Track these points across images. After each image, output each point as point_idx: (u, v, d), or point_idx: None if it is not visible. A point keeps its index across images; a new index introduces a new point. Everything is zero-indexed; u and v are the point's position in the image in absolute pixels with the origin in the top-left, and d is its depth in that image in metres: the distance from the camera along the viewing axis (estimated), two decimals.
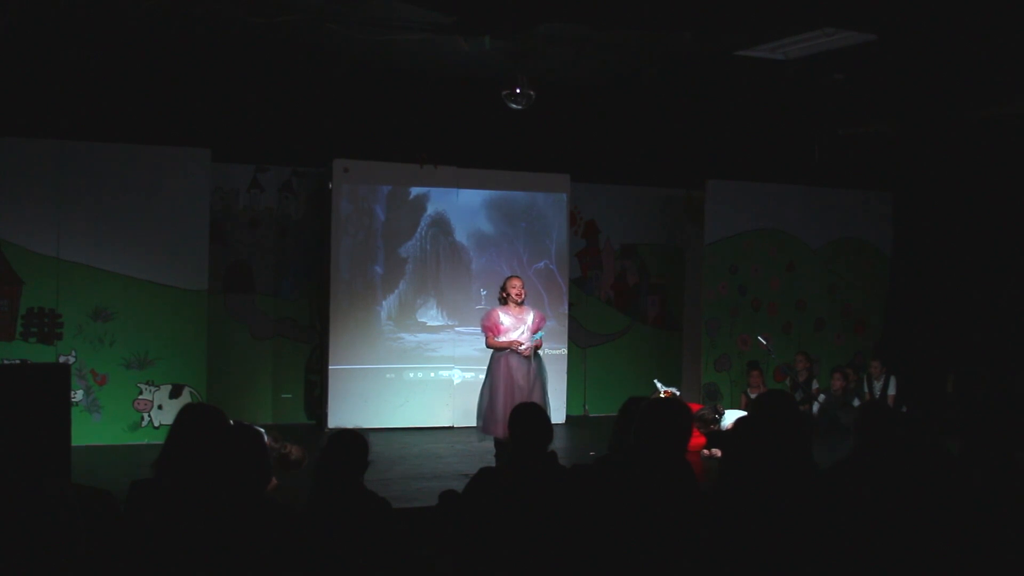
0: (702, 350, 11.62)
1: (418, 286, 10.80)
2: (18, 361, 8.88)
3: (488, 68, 9.24)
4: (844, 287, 12.12)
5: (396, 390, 10.66)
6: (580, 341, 11.84)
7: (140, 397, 9.62)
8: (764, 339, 11.21)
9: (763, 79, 9.63)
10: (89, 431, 9.23)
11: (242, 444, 3.89)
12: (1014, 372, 10.71)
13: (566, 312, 11.34)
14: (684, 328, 12.35)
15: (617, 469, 4.15)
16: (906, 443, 4.32)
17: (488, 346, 8.17)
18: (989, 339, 11.08)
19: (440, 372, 10.83)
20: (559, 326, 11.19)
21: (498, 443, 7.96)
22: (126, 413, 9.57)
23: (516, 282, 8.27)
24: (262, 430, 4.56)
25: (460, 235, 10.94)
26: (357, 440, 4.04)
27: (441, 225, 10.89)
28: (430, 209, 10.84)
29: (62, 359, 9.24)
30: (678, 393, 10.41)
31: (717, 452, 8.91)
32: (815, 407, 10.84)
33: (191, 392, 9.71)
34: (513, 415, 4.62)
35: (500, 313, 8.17)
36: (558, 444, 5.62)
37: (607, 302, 12.15)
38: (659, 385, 10.35)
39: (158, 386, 9.66)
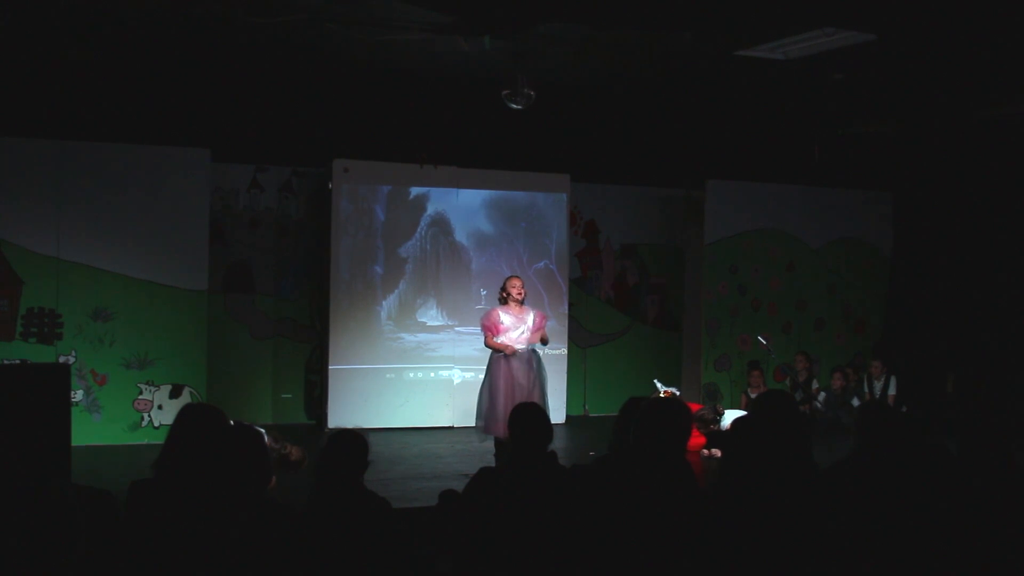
0: (702, 350, 11.62)
1: (418, 286, 10.80)
2: (18, 361, 8.89)
3: (488, 68, 9.24)
4: (844, 287, 12.13)
5: (396, 390, 10.66)
6: (580, 341, 11.84)
7: (140, 397, 9.62)
8: (764, 339, 11.22)
9: (763, 79, 9.63)
10: (89, 431, 9.23)
11: (242, 444, 3.89)
12: (1014, 372, 10.71)
13: (566, 312, 11.34)
14: (684, 328, 12.35)
15: (617, 469, 4.15)
16: (906, 443, 4.32)
17: (486, 345, 8.19)
18: (989, 339, 11.08)
19: (440, 372, 10.83)
20: (559, 326, 11.19)
21: (498, 443, 7.96)
22: (126, 413, 9.58)
23: (516, 282, 8.29)
24: (262, 430, 4.56)
25: (460, 235, 10.94)
26: (357, 440, 4.04)
27: (441, 225, 10.89)
28: (430, 209, 10.85)
29: (62, 359, 9.24)
30: (678, 393, 10.42)
31: (717, 452, 8.91)
32: (822, 397, 10.85)
33: (191, 392, 9.71)
34: (513, 415, 4.62)
35: (500, 313, 8.19)
36: (558, 444, 5.62)
37: (607, 302, 12.15)
38: (659, 385, 10.36)
39: (158, 386, 9.66)
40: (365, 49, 8.94)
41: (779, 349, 11.50)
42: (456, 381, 10.80)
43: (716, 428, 9.51)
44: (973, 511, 4.03)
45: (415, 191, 10.79)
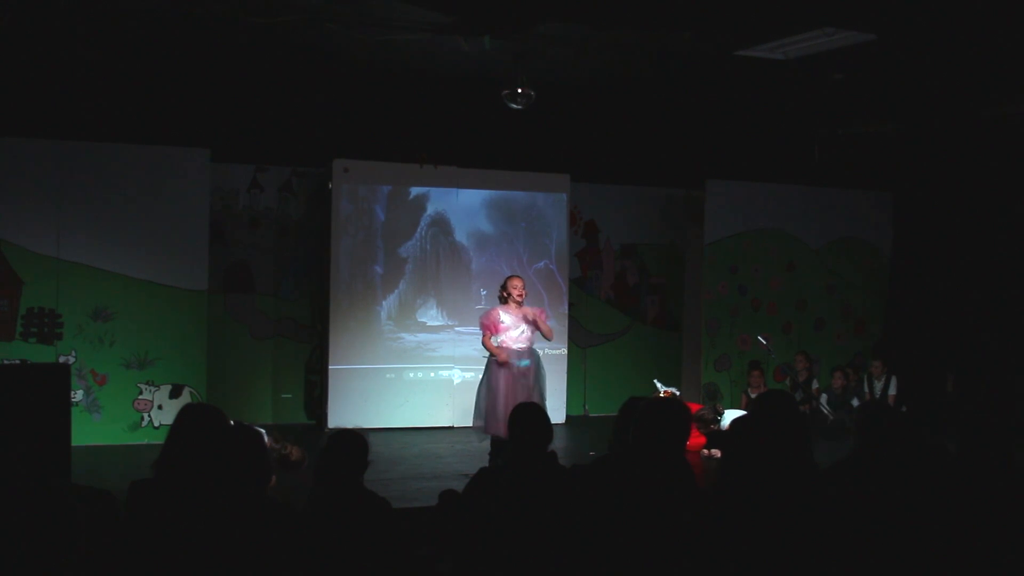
0: (702, 350, 11.62)
1: (418, 286, 10.80)
2: (18, 361, 8.89)
3: (488, 68, 9.24)
4: (844, 287, 12.13)
5: (396, 390, 10.66)
6: (580, 341, 11.84)
7: (140, 397, 9.62)
8: (764, 339, 11.22)
9: (763, 79, 9.63)
10: (89, 431, 9.23)
11: (242, 444, 3.89)
12: (1014, 372, 10.71)
13: (566, 312, 11.34)
14: (684, 328, 12.35)
15: (616, 469, 4.15)
16: (906, 443, 4.32)
17: (482, 343, 8.19)
18: (989, 339, 11.07)
19: (440, 372, 10.83)
20: (559, 326, 11.18)
21: (494, 443, 7.95)
22: (126, 413, 9.58)
23: (517, 282, 8.26)
24: (262, 430, 4.56)
25: (460, 235, 10.95)
26: (357, 440, 4.04)
27: (441, 225, 10.89)
28: (430, 209, 10.85)
29: (62, 359, 9.24)
30: (678, 393, 10.42)
31: (717, 452, 8.91)
32: (824, 399, 10.85)
33: (191, 392, 9.71)
34: (513, 415, 4.62)
35: (500, 312, 8.19)
36: (558, 444, 5.62)
37: (607, 302, 12.15)
38: (659, 385, 10.36)
39: (158, 386, 9.66)
40: (365, 49, 8.94)
41: (779, 349, 11.50)
42: (456, 381, 10.80)
43: (716, 428, 9.51)
44: (973, 511, 4.03)
45: (415, 191, 10.79)
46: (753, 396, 10.57)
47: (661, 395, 9.66)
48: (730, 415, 9.51)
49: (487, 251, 11.05)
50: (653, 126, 11.41)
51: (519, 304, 8.19)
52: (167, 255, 9.66)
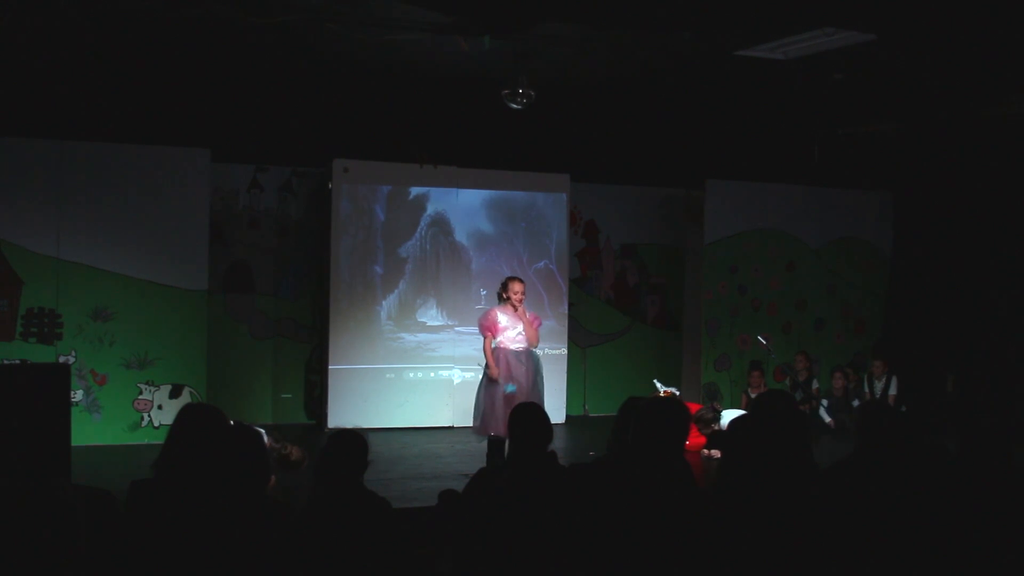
0: (702, 350, 11.62)
1: (418, 286, 10.80)
2: (18, 361, 8.89)
3: (488, 68, 9.24)
4: (844, 287, 12.12)
5: (396, 390, 10.66)
6: (580, 341, 11.84)
7: (140, 397, 9.62)
8: (764, 339, 11.22)
9: (763, 79, 9.63)
10: (89, 431, 9.23)
11: (242, 444, 3.89)
12: (1014, 372, 10.71)
13: (566, 312, 11.34)
14: (684, 328, 12.35)
15: (615, 469, 4.15)
16: (906, 443, 4.32)
17: (483, 350, 8.17)
18: (989, 339, 11.07)
19: (440, 372, 10.83)
20: (559, 326, 11.19)
21: (491, 443, 7.94)
22: (126, 413, 9.57)
23: (518, 287, 8.19)
24: (262, 430, 4.57)
25: (460, 235, 10.94)
26: (357, 440, 4.04)
27: (441, 225, 10.89)
28: (430, 209, 10.84)
29: (62, 359, 9.24)
30: (678, 393, 10.42)
31: (716, 453, 8.91)
32: (824, 408, 10.85)
33: (191, 392, 9.71)
34: (513, 415, 4.62)
35: (498, 313, 8.17)
36: (558, 444, 5.63)
37: (607, 302, 12.15)
38: (659, 385, 10.36)
39: (158, 386, 9.66)
40: (365, 49, 8.93)
41: (779, 349, 11.50)
42: (456, 381, 10.80)
43: (716, 427, 9.51)
44: (973, 511, 4.03)
45: (415, 191, 10.79)
46: (753, 396, 10.57)
47: (661, 395, 9.65)
48: (728, 415, 9.51)
49: (487, 251, 11.04)
50: (653, 126, 11.40)
51: (515, 308, 8.16)
52: (167, 255, 9.66)
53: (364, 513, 3.94)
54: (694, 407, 9.66)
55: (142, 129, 9.69)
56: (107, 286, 9.49)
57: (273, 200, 10.78)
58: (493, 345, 8.12)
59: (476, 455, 8.37)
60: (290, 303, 10.84)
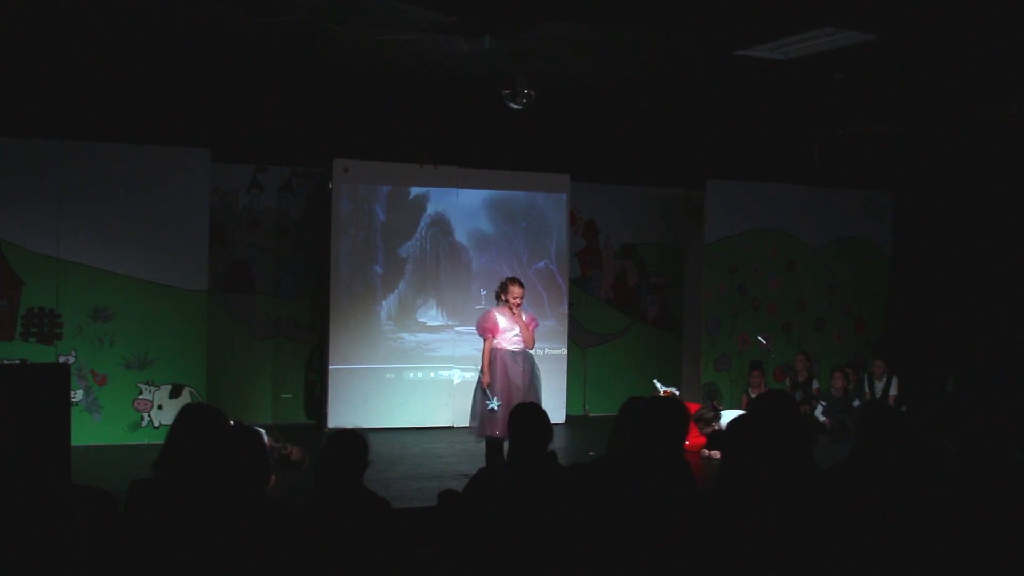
0: (702, 350, 11.62)
1: (418, 286, 10.80)
2: (18, 361, 8.88)
3: (488, 68, 9.24)
4: (844, 287, 12.12)
5: (396, 390, 10.66)
6: (580, 341, 11.84)
7: (140, 397, 9.62)
8: (764, 339, 11.22)
9: (763, 79, 9.63)
10: (89, 431, 9.23)
11: (242, 444, 3.89)
12: (1014, 372, 10.71)
13: (566, 312, 11.34)
14: (684, 328, 12.35)
15: (615, 469, 4.15)
16: (906, 443, 4.32)
17: (483, 354, 8.14)
18: (989, 338, 11.08)
19: (440, 372, 10.83)
20: (559, 326, 11.19)
21: (490, 444, 7.94)
22: (126, 413, 9.58)
23: (518, 291, 8.12)
24: (262, 430, 4.57)
25: (460, 235, 10.94)
26: (357, 440, 4.04)
27: (441, 225, 10.89)
28: (430, 209, 10.85)
29: (62, 359, 9.24)
30: (678, 393, 10.41)
31: (716, 453, 8.90)
32: (820, 409, 10.85)
33: (191, 392, 9.71)
34: (513, 415, 4.62)
35: (497, 314, 8.15)
36: (558, 444, 5.63)
37: (607, 302, 12.15)
38: (659, 385, 10.35)
39: (158, 386, 9.66)
40: (365, 49, 8.93)
41: (779, 349, 11.50)
42: (456, 381, 10.80)
43: (716, 427, 9.50)
44: (973, 511, 4.03)
45: (415, 191, 10.79)
46: (753, 396, 10.57)
47: (661, 395, 9.65)
48: (728, 415, 9.50)
49: (487, 251, 11.04)
50: (653, 126, 11.41)
51: (513, 312, 8.13)
52: (167, 255, 9.66)
53: (364, 513, 3.94)
54: (694, 407, 9.65)
55: (142, 129, 9.69)
56: (107, 286, 9.50)
57: (273, 200, 10.78)
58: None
59: (476, 455, 8.36)
60: (290, 303, 10.84)
